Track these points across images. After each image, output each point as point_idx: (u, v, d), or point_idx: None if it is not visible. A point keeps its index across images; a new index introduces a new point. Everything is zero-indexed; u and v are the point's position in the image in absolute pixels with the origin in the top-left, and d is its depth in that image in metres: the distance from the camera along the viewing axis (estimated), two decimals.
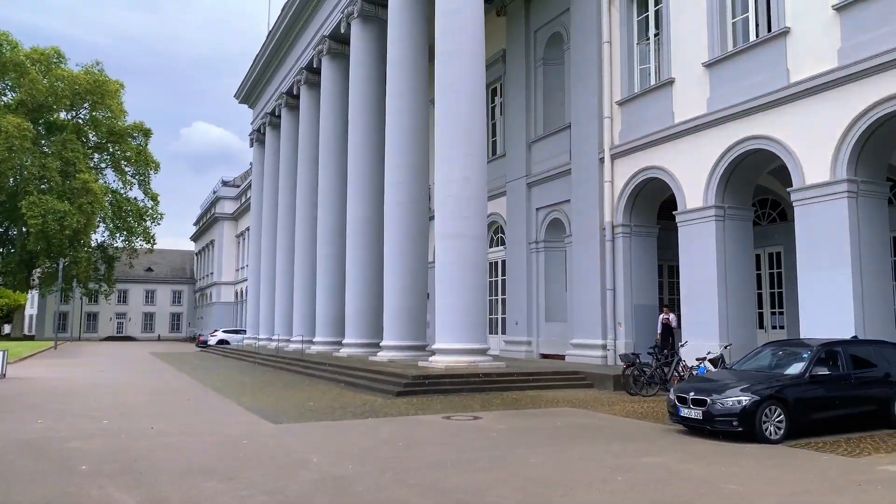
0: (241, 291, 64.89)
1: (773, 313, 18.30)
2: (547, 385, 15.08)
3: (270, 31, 34.76)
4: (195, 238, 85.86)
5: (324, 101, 27.67)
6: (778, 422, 9.05)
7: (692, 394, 9.57)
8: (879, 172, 13.04)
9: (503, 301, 23.03)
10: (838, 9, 12.85)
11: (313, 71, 29.99)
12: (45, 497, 6.13)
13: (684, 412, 9.59)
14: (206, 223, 75.61)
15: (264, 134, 39.01)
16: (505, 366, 16.55)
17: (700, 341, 14.95)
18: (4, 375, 18.56)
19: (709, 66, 15.59)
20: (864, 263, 12.51)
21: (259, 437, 9.25)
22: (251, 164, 72.95)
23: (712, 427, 9.21)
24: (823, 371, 9.56)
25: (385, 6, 22.34)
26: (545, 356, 20.69)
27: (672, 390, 10.22)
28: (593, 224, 18.54)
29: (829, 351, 9.87)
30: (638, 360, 14.41)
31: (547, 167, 20.90)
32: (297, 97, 32.57)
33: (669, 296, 20.39)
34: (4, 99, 55.67)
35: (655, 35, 17.76)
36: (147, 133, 61.73)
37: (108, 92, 56.62)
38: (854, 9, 12.63)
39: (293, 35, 32.19)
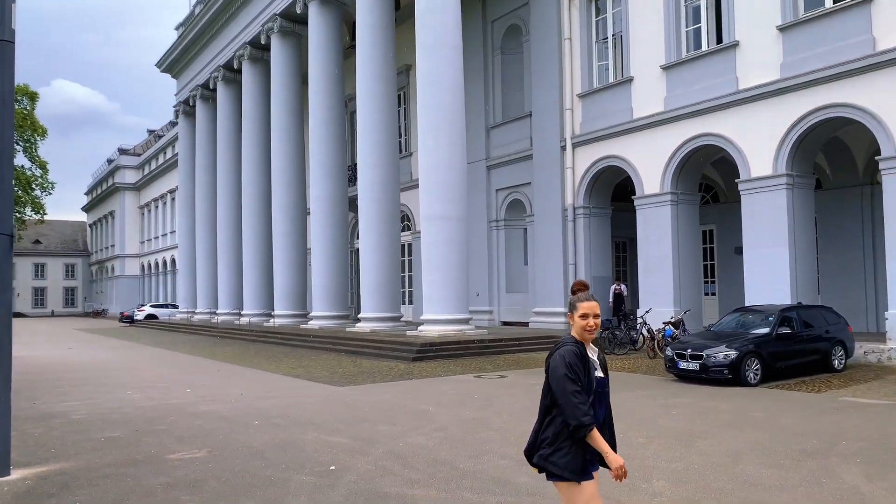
0: (149, 265, 63.04)
1: (706, 282, 21.25)
2: (532, 348, 17.16)
3: (202, 1, 34.27)
4: (88, 209, 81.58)
5: (274, 79, 28.02)
6: (756, 370, 11.53)
7: (689, 350, 11.89)
8: (808, 167, 15.89)
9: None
10: (781, 29, 15.43)
11: (259, 47, 30.14)
12: (275, 440, 7.40)
13: (682, 365, 11.90)
14: (104, 193, 72.23)
15: (194, 106, 38.39)
16: (487, 333, 18.47)
17: (658, 308, 17.50)
18: None
19: (666, 68, 17.94)
20: (797, 243, 15.35)
21: (349, 396, 10.60)
22: (149, 132, 71.02)
23: (707, 375, 11.55)
24: (785, 330, 12.16)
25: None
26: (506, 323, 22.80)
27: (668, 348, 12.50)
28: (555, 205, 20.68)
29: (786, 315, 12.49)
30: (611, 325, 16.77)
31: (506, 152, 22.79)
32: (238, 71, 32.49)
33: (617, 268, 23.00)
34: None
35: (613, 36, 19.94)
36: (33, 96, 58.12)
37: None
38: (794, 30, 15.25)
39: (234, 7, 31.90)
